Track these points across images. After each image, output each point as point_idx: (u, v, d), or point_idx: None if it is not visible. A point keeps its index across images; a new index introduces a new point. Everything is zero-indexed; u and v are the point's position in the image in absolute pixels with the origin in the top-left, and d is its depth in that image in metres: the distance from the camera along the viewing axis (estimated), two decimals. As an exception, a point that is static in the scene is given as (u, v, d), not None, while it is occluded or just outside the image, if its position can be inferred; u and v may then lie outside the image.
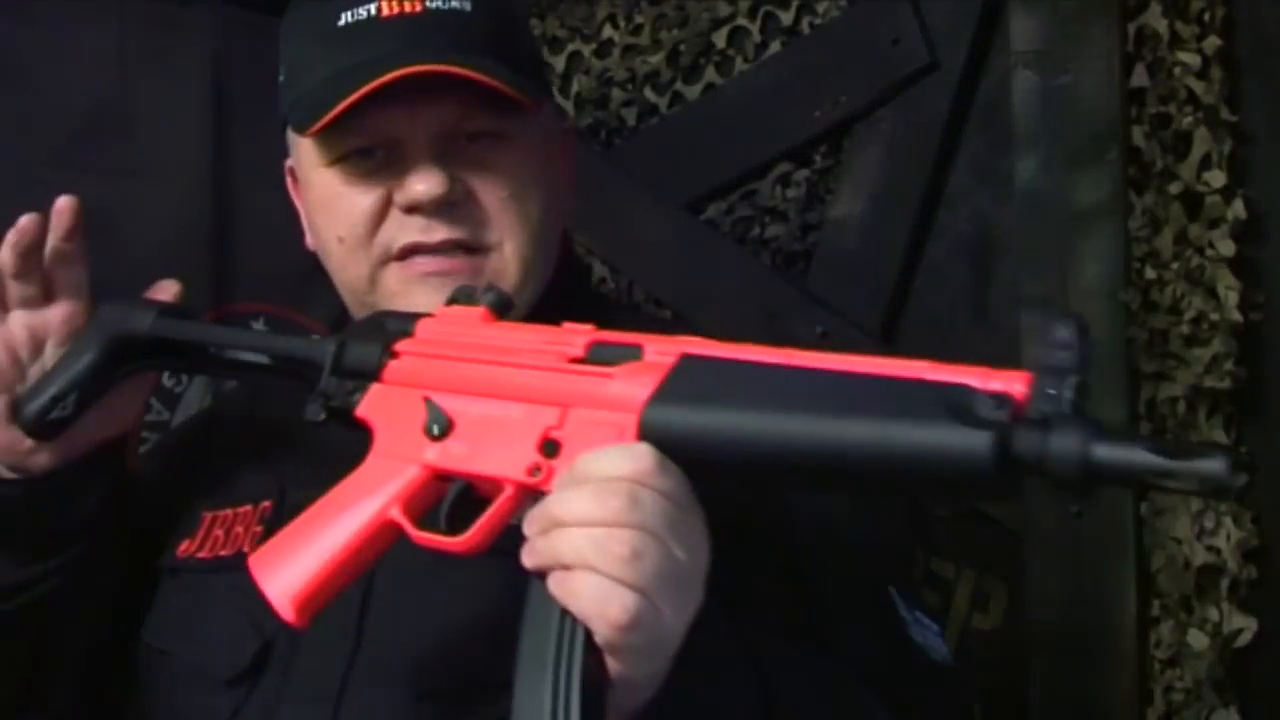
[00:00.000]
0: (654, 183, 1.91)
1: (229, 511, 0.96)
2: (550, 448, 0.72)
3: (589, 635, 0.65)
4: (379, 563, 0.78)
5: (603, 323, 0.77)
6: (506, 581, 0.70)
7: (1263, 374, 1.42)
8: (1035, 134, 1.52)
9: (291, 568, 0.76)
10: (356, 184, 0.93)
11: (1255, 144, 1.43)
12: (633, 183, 1.92)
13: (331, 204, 0.95)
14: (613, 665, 0.66)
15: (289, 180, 1.04)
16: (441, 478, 0.76)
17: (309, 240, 1.03)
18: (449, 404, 0.76)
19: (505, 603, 0.72)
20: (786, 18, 1.84)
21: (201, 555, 0.95)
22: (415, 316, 0.83)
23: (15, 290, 0.92)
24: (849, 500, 0.91)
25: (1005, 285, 1.61)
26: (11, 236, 0.91)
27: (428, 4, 0.91)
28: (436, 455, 0.76)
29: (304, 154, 0.97)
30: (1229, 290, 1.40)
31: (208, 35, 1.90)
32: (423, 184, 0.90)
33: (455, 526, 0.74)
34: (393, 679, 0.84)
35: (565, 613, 0.66)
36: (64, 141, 1.77)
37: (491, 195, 0.92)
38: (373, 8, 0.91)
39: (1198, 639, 1.40)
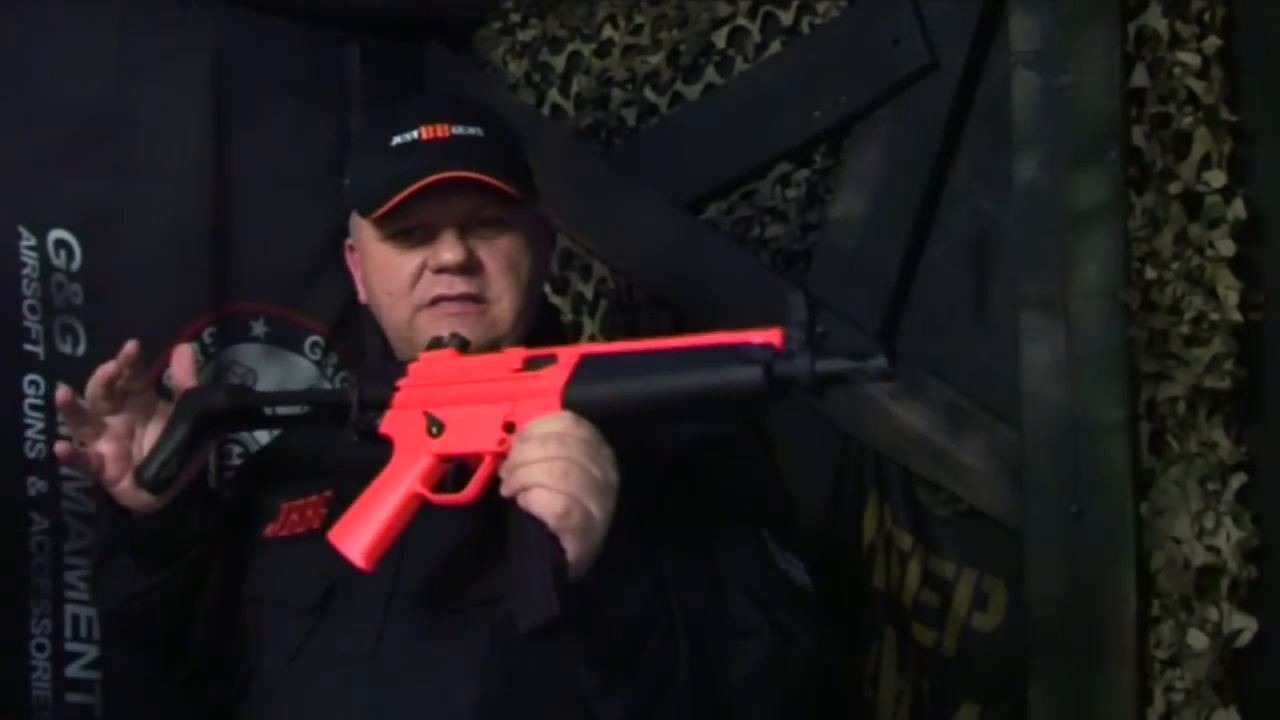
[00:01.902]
0: (654, 183, 1.91)
1: (301, 501, 1.34)
2: (509, 427, 1.08)
3: (546, 529, 0.99)
4: (408, 528, 1.14)
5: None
6: (488, 529, 1.10)
7: (1263, 374, 1.42)
8: (1035, 134, 1.52)
9: (359, 534, 1.13)
10: (403, 253, 1.29)
11: (1255, 144, 1.43)
12: (633, 183, 1.92)
13: (384, 268, 1.30)
14: (564, 547, 1.00)
15: (347, 253, 1.40)
16: (443, 460, 1.14)
17: (363, 296, 1.38)
18: (440, 413, 1.15)
19: (490, 544, 1.11)
20: (786, 18, 1.84)
21: (283, 534, 1.33)
22: (406, 362, 1.23)
23: (107, 405, 1.28)
24: (734, 462, 1.26)
25: (1005, 285, 1.61)
26: (99, 375, 1.27)
27: (454, 131, 1.28)
28: (438, 446, 1.14)
29: (365, 232, 1.32)
30: (1229, 290, 1.40)
31: (208, 35, 1.91)
32: (450, 254, 1.26)
33: (459, 487, 1.11)
34: (422, 601, 1.19)
35: (531, 519, 1.00)
36: (64, 141, 1.77)
37: (494, 264, 1.28)
38: (415, 133, 1.27)
39: (1198, 639, 1.40)
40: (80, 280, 1.76)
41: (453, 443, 1.13)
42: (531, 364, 1.11)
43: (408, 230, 1.28)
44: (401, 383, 1.20)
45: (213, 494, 1.42)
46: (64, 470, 1.72)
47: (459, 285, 1.27)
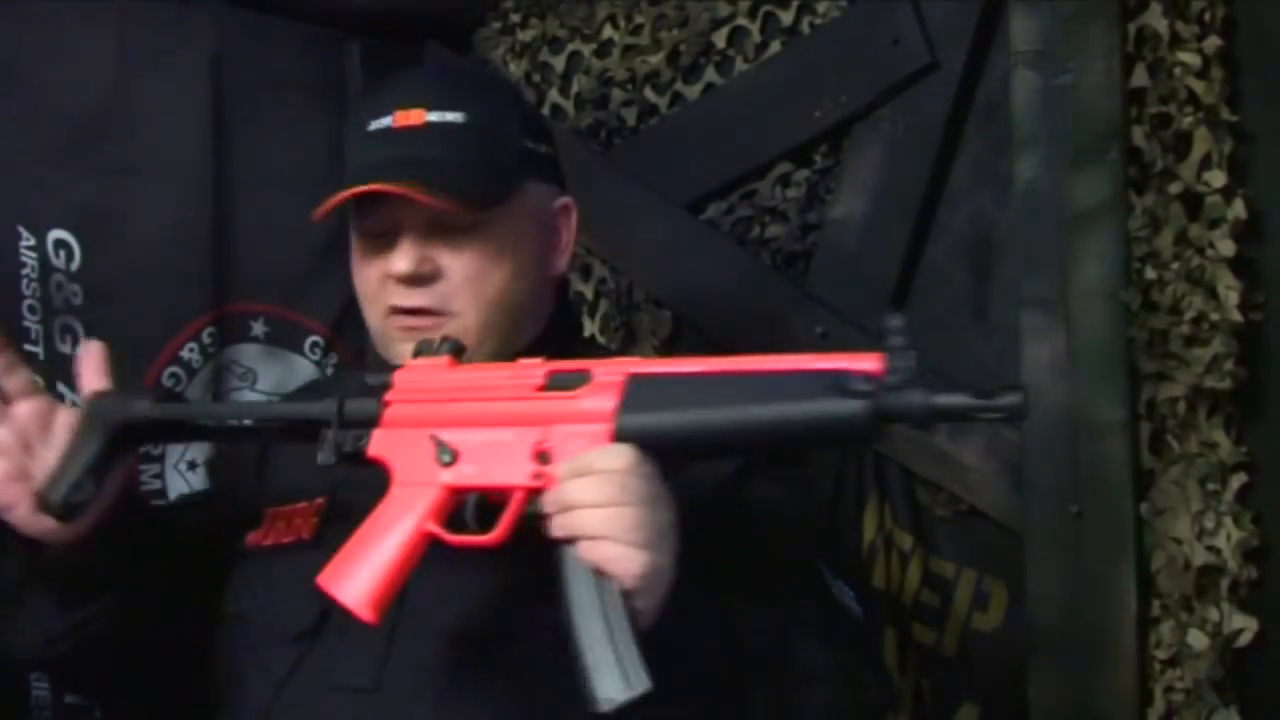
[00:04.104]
0: (654, 183, 1.91)
1: (288, 508, 1.19)
2: (543, 457, 0.95)
3: (614, 587, 0.89)
4: None
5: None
6: (510, 558, 0.96)
7: (1263, 374, 1.42)
8: (1035, 134, 1.52)
9: (358, 579, 0.97)
10: (370, 255, 1.18)
11: (1255, 144, 1.43)
12: (633, 183, 1.92)
13: (358, 267, 1.20)
14: (634, 602, 0.90)
15: None
16: (457, 493, 0.98)
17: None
18: (450, 437, 0.99)
19: (508, 568, 1.01)
20: (786, 18, 1.84)
21: (267, 543, 1.18)
22: (391, 370, 1.07)
23: None
24: (780, 487, 1.14)
25: (1005, 285, 1.61)
26: None
27: (429, 118, 1.14)
28: (452, 477, 0.98)
29: (352, 224, 1.21)
30: (1229, 290, 1.40)
31: (207, 35, 1.90)
32: (401, 263, 1.14)
33: (480, 523, 0.97)
34: (431, 632, 1.05)
35: (598, 573, 0.89)
36: (64, 141, 1.77)
37: (458, 274, 1.15)
38: (389, 120, 1.16)
39: (1198, 639, 1.40)
40: (80, 280, 1.76)
41: (471, 474, 0.98)
42: (559, 381, 0.97)
43: (375, 232, 1.17)
44: (389, 396, 1.04)
45: (148, 508, 1.23)
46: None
47: (415, 297, 1.14)
